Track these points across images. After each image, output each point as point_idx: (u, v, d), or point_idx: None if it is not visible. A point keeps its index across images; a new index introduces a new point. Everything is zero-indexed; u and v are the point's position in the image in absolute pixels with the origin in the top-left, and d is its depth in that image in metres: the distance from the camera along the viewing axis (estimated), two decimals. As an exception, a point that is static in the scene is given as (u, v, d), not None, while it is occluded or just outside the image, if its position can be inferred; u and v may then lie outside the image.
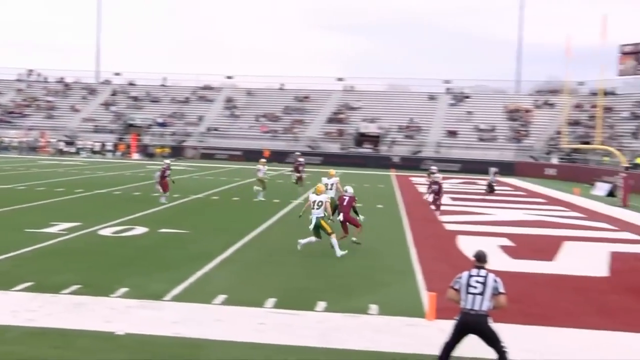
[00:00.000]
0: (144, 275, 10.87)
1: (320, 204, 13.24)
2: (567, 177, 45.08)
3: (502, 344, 6.49)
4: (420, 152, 55.67)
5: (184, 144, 57.85)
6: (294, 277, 11.24)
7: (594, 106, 54.60)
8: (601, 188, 34.40)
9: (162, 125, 61.37)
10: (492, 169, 28.23)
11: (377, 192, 29.37)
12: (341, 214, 14.40)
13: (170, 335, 7.91)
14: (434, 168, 25.36)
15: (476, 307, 6.48)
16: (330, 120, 61.74)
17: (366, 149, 56.14)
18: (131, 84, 69.66)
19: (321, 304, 9.42)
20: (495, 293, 6.54)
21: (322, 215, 13.20)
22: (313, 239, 13.31)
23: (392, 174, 44.60)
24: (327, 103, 65.13)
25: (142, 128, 60.14)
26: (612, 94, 59.12)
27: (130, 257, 12.43)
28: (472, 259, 6.86)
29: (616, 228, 19.78)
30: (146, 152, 54.93)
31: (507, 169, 50.17)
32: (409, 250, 14.34)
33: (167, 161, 23.02)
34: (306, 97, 66.06)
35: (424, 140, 57.24)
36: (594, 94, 57.20)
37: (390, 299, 9.96)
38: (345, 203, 14.24)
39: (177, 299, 9.51)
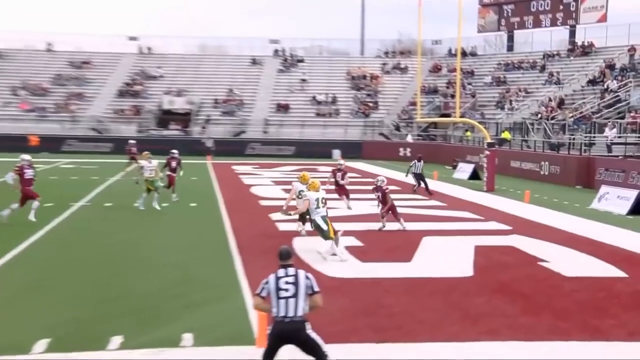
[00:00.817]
0: None
1: (324, 201, 14.92)
2: (426, 158, 47.84)
3: (325, 351, 7.12)
4: (243, 132, 56.16)
5: None
6: (77, 305, 10.86)
7: (452, 70, 58.54)
8: (464, 170, 37.12)
9: None
10: (421, 163, 27.90)
11: (189, 186, 29.17)
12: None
13: None
14: (341, 161, 24.62)
15: (291, 313, 7.05)
16: (122, 94, 60.20)
17: (173, 131, 55.52)
18: None
19: (115, 340, 9.20)
20: (310, 292, 7.17)
21: (326, 214, 14.81)
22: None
23: (209, 162, 44.59)
24: (117, 70, 63.41)
25: None
26: (473, 54, 63.80)
27: None
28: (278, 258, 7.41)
29: (481, 217, 21.49)
30: None
31: (353, 150, 52.27)
32: (233, 258, 14.51)
33: (26, 157, 19.34)
34: (86, 63, 63.77)
35: (248, 118, 57.80)
36: (453, 55, 61.32)
37: (209, 323, 9.99)
38: None
39: None
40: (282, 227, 18.66)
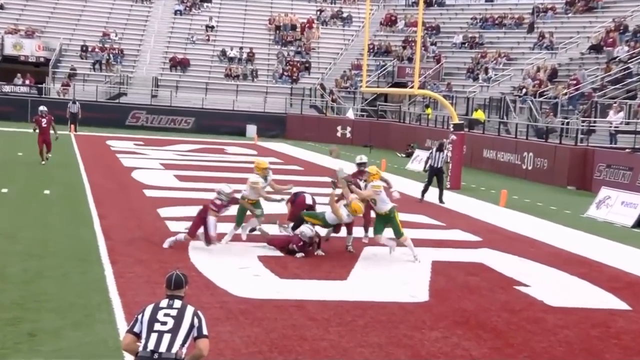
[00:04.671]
0: None
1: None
2: (371, 141, 48.08)
3: None
4: (124, 94, 55.39)
5: None
6: None
7: (412, 24, 58.84)
8: (421, 158, 37.33)
9: None
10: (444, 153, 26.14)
11: (43, 167, 28.69)
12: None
13: None
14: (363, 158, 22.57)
15: (162, 349, 7.06)
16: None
17: (20, 87, 54.49)
18: None
19: None
20: (195, 335, 7.25)
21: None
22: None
23: (72, 134, 43.84)
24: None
25: None
26: (440, 4, 64.17)
27: None
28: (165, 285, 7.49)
29: (441, 224, 21.70)
30: None
31: (273, 126, 52.15)
32: (102, 268, 14.30)
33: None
34: None
35: (130, 75, 57.05)
36: (414, 3, 61.71)
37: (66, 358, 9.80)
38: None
39: None
40: (174, 226, 18.41)
